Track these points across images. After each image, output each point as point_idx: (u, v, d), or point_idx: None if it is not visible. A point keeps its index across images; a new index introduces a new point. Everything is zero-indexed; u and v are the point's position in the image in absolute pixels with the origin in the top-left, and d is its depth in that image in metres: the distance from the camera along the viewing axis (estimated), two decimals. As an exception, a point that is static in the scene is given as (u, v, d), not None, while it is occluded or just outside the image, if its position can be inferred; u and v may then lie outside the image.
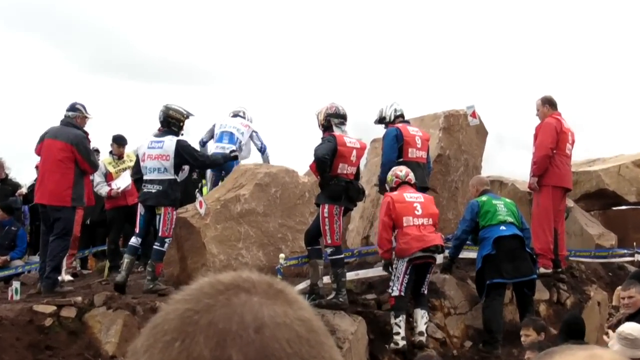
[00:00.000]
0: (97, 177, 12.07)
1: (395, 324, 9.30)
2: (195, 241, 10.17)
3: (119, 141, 12.75)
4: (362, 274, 10.49)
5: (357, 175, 9.82)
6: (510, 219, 9.80)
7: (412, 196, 9.49)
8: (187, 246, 10.31)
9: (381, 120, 10.92)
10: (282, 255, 9.93)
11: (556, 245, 10.83)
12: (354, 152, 9.52)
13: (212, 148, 12.08)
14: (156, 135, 10.14)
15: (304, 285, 9.54)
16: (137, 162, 10.24)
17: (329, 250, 9.44)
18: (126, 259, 9.88)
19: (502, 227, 9.73)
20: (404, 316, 9.37)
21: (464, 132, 12.05)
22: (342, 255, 9.59)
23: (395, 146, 10.30)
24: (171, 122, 10.08)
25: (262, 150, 12.24)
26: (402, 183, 9.64)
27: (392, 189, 9.66)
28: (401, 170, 9.74)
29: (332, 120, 9.62)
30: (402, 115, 10.79)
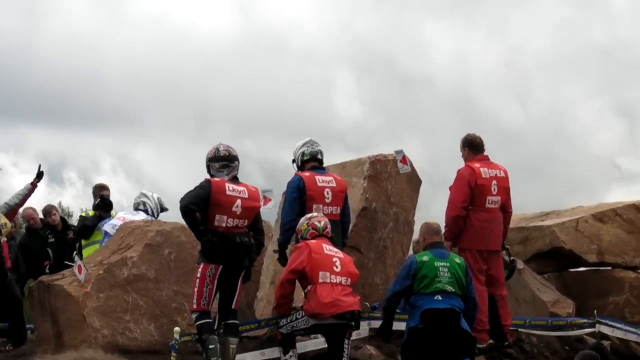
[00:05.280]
0: None
1: None
2: (73, 313, 9.16)
3: None
4: (269, 353, 8.96)
5: (256, 228, 8.64)
6: (450, 288, 8.25)
7: (331, 249, 8.33)
8: (64, 319, 9.29)
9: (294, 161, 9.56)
10: (177, 329, 8.79)
11: (497, 313, 9.49)
12: (238, 202, 8.32)
13: None
14: None
15: None
16: None
17: (193, 316, 8.44)
18: None
19: (438, 297, 8.22)
20: (295, 350, 8.47)
21: (393, 181, 10.66)
22: (210, 320, 8.42)
23: (296, 201, 9.00)
24: None
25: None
26: (319, 236, 8.44)
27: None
28: (319, 221, 8.53)
29: (212, 165, 8.56)
30: (315, 159, 9.30)
